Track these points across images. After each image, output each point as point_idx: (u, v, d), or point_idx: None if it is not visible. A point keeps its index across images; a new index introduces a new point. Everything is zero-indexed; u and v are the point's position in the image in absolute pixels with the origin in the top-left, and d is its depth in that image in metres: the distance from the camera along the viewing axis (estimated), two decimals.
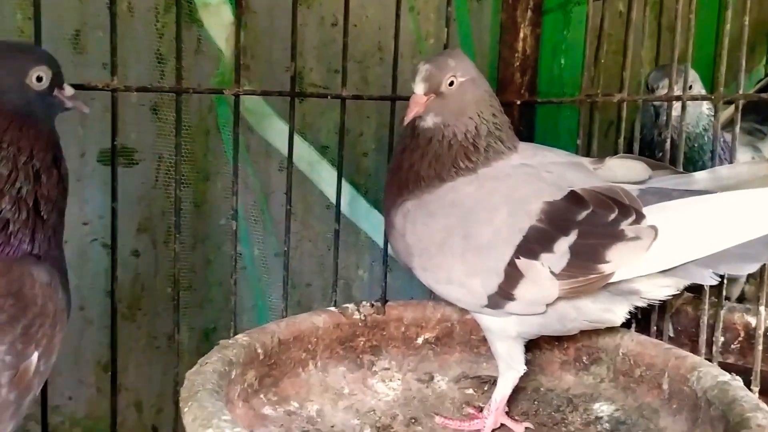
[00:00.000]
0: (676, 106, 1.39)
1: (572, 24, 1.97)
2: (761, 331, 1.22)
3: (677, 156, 1.35)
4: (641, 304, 1.12)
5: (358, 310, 1.31)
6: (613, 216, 1.04)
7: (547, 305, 1.09)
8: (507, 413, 1.21)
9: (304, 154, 1.69)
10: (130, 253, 1.56)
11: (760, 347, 1.24)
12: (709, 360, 1.22)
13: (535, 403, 1.26)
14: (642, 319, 1.34)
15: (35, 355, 0.83)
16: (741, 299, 1.65)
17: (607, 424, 1.18)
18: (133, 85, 1.19)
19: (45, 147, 0.88)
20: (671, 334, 1.41)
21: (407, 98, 1.15)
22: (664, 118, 1.44)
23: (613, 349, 1.23)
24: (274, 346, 1.16)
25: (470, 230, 1.10)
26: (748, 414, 0.93)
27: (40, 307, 0.84)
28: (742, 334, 1.39)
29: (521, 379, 1.19)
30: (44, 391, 1.14)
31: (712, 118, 1.52)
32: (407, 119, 1.14)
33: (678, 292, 1.11)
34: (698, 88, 1.53)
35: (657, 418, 1.13)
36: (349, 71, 1.32)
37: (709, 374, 1.06)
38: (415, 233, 1.15)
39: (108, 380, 1.25)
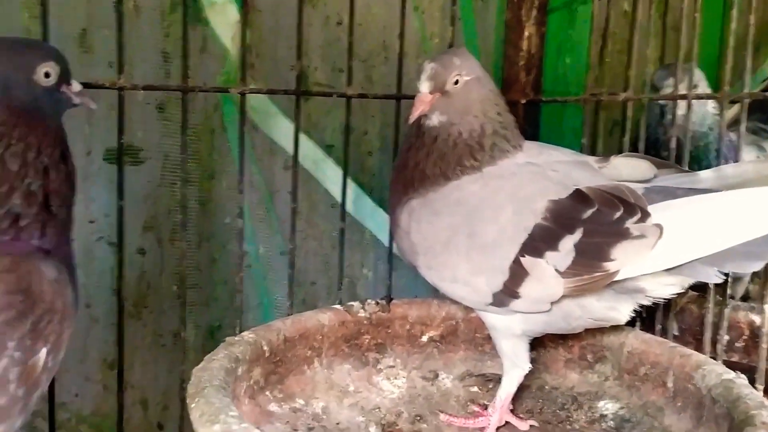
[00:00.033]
0: (682, 105, 1.39)
1: (577, 23, 1.97)
2: (765, 330, 1.22)
3: (682, 155, 1.35)
4: (646, 302, 1.12)
5: (363, 308, 1.31)
6: (618, 214, 1.04)
7: (552, 303, 1.09)
8: (512, 411, 1.22)
9: (309, 153, 1.70)
10: (136, 251, 1.57)
11: (765, 345, 1.24)
12: (714, 358, 1.22)
13: (540, 401, 1.26)
14: (647, 318, 1.34)
15: (44, 351, 0.83)
16: (746, 298, 1.65)
17: (611, 422, 1.18)
18: (139, 83, 1.20)
19: (53, 143, 0.89)
20: (676, 333, 1.41)
21: (412, 97, 1.16)
22: (670, 117, 1.44)
23: (617, 348, 1.23)
24: (279, 344, 1.17)
25: (475, 228, 1.10)
26: (752, 411, 0.93)
27: (49, 303, 0.84)
28: (747, 332, 1.39)
29: (526, 377, 1.19)
30: (51, 388, 1.14)
31: (718, 117, 1.52)
32: (412, 118, 1.14)
33: (683, 291, 1.11)
34: (703, 87, 1.53)
35: (661, 416, 1.14)
36: (354, 70, 1.32)
37: (714, 372, 1.06)
38: (420, 231, 1.15)
39: (114, 378, 1.25)
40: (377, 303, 1.33)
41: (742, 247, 1.00)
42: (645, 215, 1.04)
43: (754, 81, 1.84)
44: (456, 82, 1.13)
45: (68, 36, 1.40)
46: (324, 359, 1.24)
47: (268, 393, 1.14)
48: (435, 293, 1.31)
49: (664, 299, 1.12)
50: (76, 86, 0.94)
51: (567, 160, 1.18)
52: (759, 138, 1.69)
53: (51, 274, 0.86)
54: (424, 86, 1.13)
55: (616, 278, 1.05)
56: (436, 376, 1.32)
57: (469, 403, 1.27)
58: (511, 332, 1.15)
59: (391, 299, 1.34)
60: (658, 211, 1.04)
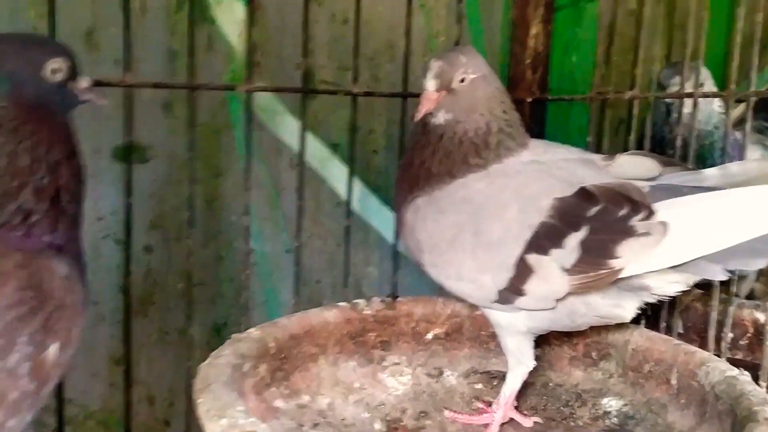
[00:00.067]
0: (688, 103, 1.39)
1: (584, 21, 1.97)
2: None
3: (688, 153, 1.35)
4: (651, 300, 1.12)
5: (369, 306, 1.31)
6: (623, 212, 1.04)
7: (557, 301, 1.09)
8: (516, 408, 1.22)
9: (315, 151, 1.70)
10: (143, 248, 1.57)
11: None
12: (718, 356, 1.22)
13: (544, 398, 1.27)
14: (651, 316, 1.35)
15: (54, 347, 0.84)
16: (750, 296, 1.65)
17: (615, 419, 1.19)
18: (146, 81, 1.20)
19: (62, 139, 0.89)
20: (680, 330, 1.41)
21: (418, 95, 1.16)
22: (676, 115, 1.44)
23: (622, 345, 1.23)
24: (285, 341, 1.17)
25: (481, 226, 1.10)
26: (755, 408, 0.93)
27: (60, 299, 0.85)
28: (751, 330, 1.39)
29: (530, 374, 1.19)
30: (59, 384, 1.15)
31: (724, 116, 1.52)
32: (418, 116, 1.15)
33: (687, 289, 1.11)
34: (710, 86, 1.53)
35: (665, 412, 1.14)
36: (360, 68, 1.33)
37: (717, 369, 1.06)
38: (426, 229, 1.15)
39: (120, 374, 1.26)
40: (382, 300, 1.33)
41: (747, 244, 1.00)
42: (650, 213, 1.04)
43: (760, 79, 1.84)
44: (462, 80, 1.14)
45: (75, 34, 1.41)
46: (329, 356, 1.25)
47: (274, 389, 1.15)
48: (440, 291, 1.31)
49: (669, 297, 1.12)
50: (84, 82, 0.94)
51: (572, 158, 1.18)
52: (764, 137, 1.69)
53: (62, 271, 0.87)
54: (430, 84, 1.13)
55: (621, 276, 1.05)
56: (441, 373, 1.32)
57: (473, 400, 1.27)
58: (515, 329, 1.16)
59: (397, 297, 1.34)
60: (664, 209, 1.04)
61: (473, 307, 1.28)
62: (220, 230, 1.66)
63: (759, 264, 1.04)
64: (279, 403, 1.14)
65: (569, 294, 1.08)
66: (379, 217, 1.82)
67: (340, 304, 1.30)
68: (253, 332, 1.14)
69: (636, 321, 1.21)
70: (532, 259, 1.07)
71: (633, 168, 1.16)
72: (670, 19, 1.67)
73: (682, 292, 1.11)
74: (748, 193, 1.02)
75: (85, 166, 0.94)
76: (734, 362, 1.14)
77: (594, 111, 1.49)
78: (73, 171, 0.90)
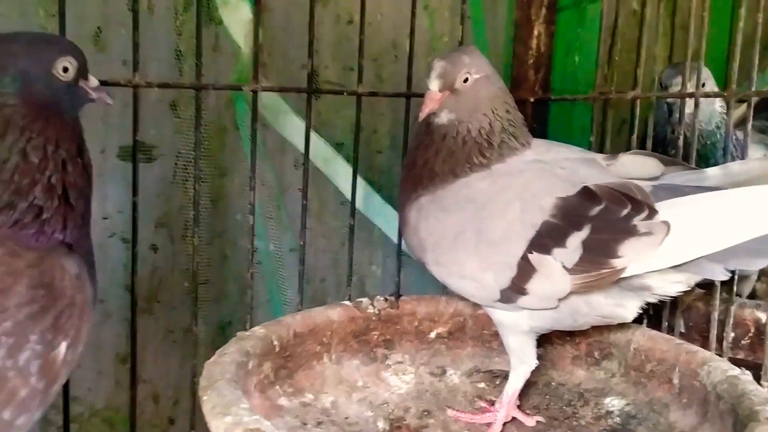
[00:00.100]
0: (689, 103, 1.40)
1: (586, 21, 1.97)
2: None
3: (690, 153, 1.36)
4: (653, 299, 1.13)
5: (372, 305, 1.32)
6: (625, 211, 1.05)
7: (559, 300, 1.10)
8: (518, 407, 1.23)
9: (320, 151, 1.71)
10: (148, 247, 1.58)
11: None
12: (720, 355, 1.23)
13: (547, 397, 1.27)
14: (653, 315, 1.35)
15: (63, 345, 0.85)
16: (752, 296, 1.66)
17: (617, 418, 1.19)
18: (153, 81, 1.21)
19: (70, 137, 0.90)
20: (682, 330, 1.42)
21: (422, 95, 1.17)
22: (677, 115, 1.44)
23: (624, 345, 1.24)
24: (289, 339, 1.18)
25: (483, 225, 1.11)
26: (757, 407, 0.94)
27: (70, 298, 0.86)
28: (753, 329, 1.39)
29: (533, 373, 1.20)
30: (65, 382, 1.16)
31: (725, 116, 1.52)
32: (422, 116, 1.16)
33: (689, 288, 1.12)
34: (711, 86, 1.53)
35: (667, 412, 1.14)
36: (365, 69, 1.33)
37: (719, 369, 1.07)
38: (429, 228, 1.16)
39: (126, 372, 1.27)
40: (386, 299, 1.34)
41: (748, 244, 1.01)
42: (652, 212, 1.04)
43: (761, 80, 1.85)
44: (465, 80, 1.14)
45: (83, 34, 1.41)
46: (333, 354, 1.26)
47: (278, 387, 1.15)
48: (443, 290, 1.32)
49: (671, 297, 1.13)
50: (93, 81, 0.95)
51: (575, 157, 1.19)
52: (766, 136, 1.69)
53: (73, 270, 0.87)
54: (434, 84, 1.14)
55: (623, 275, 1.06)
56: (444, 372, 1.33)
57: (476, 399, 1.28)
58: (518, 329, 1.16)
59: (400, 296, 1.35)
60: (666, 209, 1.05)
61: (476, 306, 1.29)
62: (225, 229, 1.67)
63: (760, 264, 1.05)
64: (283, 401, 1.15)
65: (571, 293, 1.08)
66: (383, 216, 1.82)
67: (344, 302, 1.31)
68: (258, 330, 1.15)
69: (638, 320, 1.21)
70: (535, 258, 1.08)
71: (635, 167, 1.16)
72: (672, 19, 1.67)
73: (684, 291, 1.12)
74: (749, 193, 1.02)
75: (91, 163, 0.95)
76: (736, 362, 1.15)
77: (596, 111, 1.49)
78: (80, 168, 0.91)
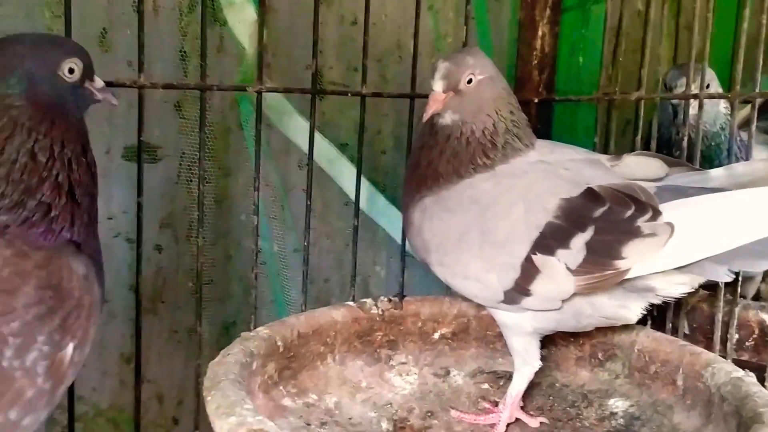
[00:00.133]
0: (694, 104, 1.40)
1: (591, 22, 1.97)
2: None
3: (694, 154, 1.36)
4: (656, 301, 1.12)
5: (376, 305, 1.32)
6: (629, 213, 1.05)
7: (563, 301, 1.10)
8: (522, 408, 1.23)
9: (324, 152, 1.71)
10: (153, 247, 1.59)
11: None
12: (724, 357, 1.23)
13: (550, 398, 1.27)
14: (657, 317, 1.35)
15: (71, 346, 0.85)
16: (756, 297, 1.65)
17: (621, 420, 1.19)
18: (158, 82, 1.22)
19: (75, 137, 0.91)
20: (686, 331, 1.41)
21: (426, 96, 1.17)
22: (682, 116, 1.44)
23: (628, 346, 1.24)
24: (293, 339, 1.18)
25: (487, 226, 1.11)
26: (761, 409, 0.94)
27: (77, 299, 0.86)
28: (757, 331, 1.39)
29: (536, 374, 1.20)
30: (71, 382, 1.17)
31: (729, 117, 1.52)
32: (426, 116, 1.16)
33: (693, 290, 1.11)
34: (715, 87, 1.53)
35: (671, 413, 1.14)
36: (369, 69, 1.34)
37: (723, 370, 1.07)
38: (433, 229, 1.16)
39: (130, 372, 1.27)
40: (390, 300, 1.34)
41: (752, 245, 1.01)
42: (656, 214, 1.04)
43: (765, 81, 1.84)
44: (469, 81, 1.15)
45: (88, 35, 1.42)
46: (337, 355, 1.26)
47: (281, 388, 1.16)
48: (447, 291, 1.32)
49: (675, 298, 1.13)
50: (98, 82, 0.96)
51: (579, 158, 1.18)
52: None
53: (80, 271, 0.88)
54: (438, 85, 1.14)
55: (627, 276, 1.05)
56: (448, 372, 1.33)
57: (480, 400, 1.28)
58: (522, 330, 1.16)
59: (404, 296, 1.35)
60: (670, 210, 1.05)
61: (480, 306, 1.29)
62: (230, 229, 1.68)
63: (764, 265, 1.05)
64: (287, 402, 1.15)
65: (575, 294, 1.08)
66: (387, 217, 1.82)
67: (348, 303, 1.31)
68: (262, 331, 1.15)
69: (642, 322, 1.21)
70: (539, 259, 1.08)
71: (639, 168, 1.16)
72: (676, 20, 1.67)
73: (688, 293, 1.12)
74: (753, 194, 1.02)
75: (95, 162, 0.95)
76: (740, 363, 1.15)
77: (600, 112, 1.50)
78: (85, 167, 0.92)
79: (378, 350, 1.30)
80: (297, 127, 1.67)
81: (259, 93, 1.26)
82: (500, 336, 1.25)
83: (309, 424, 1.13)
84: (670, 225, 1.03)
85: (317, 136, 1.36)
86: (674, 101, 1.51)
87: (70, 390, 1.18)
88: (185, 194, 1.60)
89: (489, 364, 1.34)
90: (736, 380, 1.03)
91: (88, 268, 0.90)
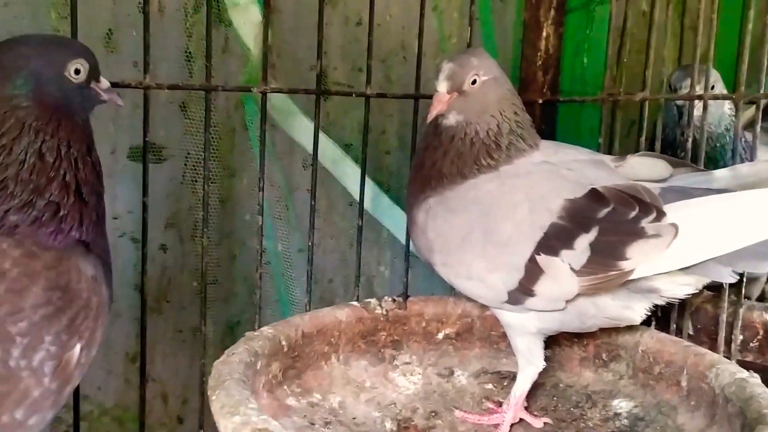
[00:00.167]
0: (698, 105, 1.40)
1: (595, 23, 1.97)
2: None
3: (699, 155, 1.36)
4: (660, 302, 1.12)
5: (380, 305, 1.32)
6: (633, 213, 1.05)
7: (567, 302, 1.10)
8: (526, 408, 1.22)
9: (328, 152, 1.71)
10: (158, 247, 1.59)
11: None
12: (728, 358, 1.23)
13: (554, 398, 1.27)
14: (662, 317, 1.35)
15: (78, 347, 0.86)
16: (761, 298, 1.65)
17: (625, 420, 1.19)
18: (163, 83, 1.22)
19: (81, 137, 0.91)
20: (691, 332, 1.41)
21: (430, 97, 1.17)
22: (687, 117, 1.44)
23: (632, 347, 1.24)
24: (297, 339, 1.18)
25: (491, 226, 1.11)
26: (765, 410, 0.93)
27: (85, 300, 0.87)
28: (761, 332, 1.39)
29: (540, 375, 1.20)
30: None
31: (734, 118, 1.52)
32: (430, 117, 1.16)
33: (697, 291, 1.11)
34: (720, 88, 1.53)
35: (675, 414, 1.14)
36: (373, 70, 1.34)
37: (727, 371, 1.07)
38: (437, 229, 1.16)
39: (135, 371, 1.28)
40: (394, 300, 1.34)
41: (756, 246, 1.01)
42: (660, 215, 1.04)
43: None
44: (473, 82, 1.15)
45: (95, 36, 1.43)
46: (341, 355, 1.26)
47: (285, 387, 1.16)
48: (451, 291, 1.32)
49: (679, 299, 1.13)
50: (104, 83, 0.96)
51: (583, 159, 1.18)
52: None
53: (89, 272, 0.88)
54: (442, 86, 1.14)
55: (631, 277, 1.05)
56: (452, 372, 1.33)
57: (483, 400, 1.28)
58: (526, 330, 1.16)
59: (408, 296, 1.35)
60: (674, 211, 1.05)
61: (484, 307, 1.29)
62: (234, 229, 1.68)
63: None
64: (291, 401, 1.15)
65: (579, 295, 1.08)
66: (391, 217, 1.82)
67: (352, 303, 1.32)
68: (266, 330, 1.15)
69: (646, 323, 1.21)
70: (542, 259, 1.08)
71: (644, 169, 1.16)
72: (681, 20, 1.67)
73: (692, 294, 1.11)
74: (758, 196, 1.02)
75: (100, 162, 0.96)
76: (745, 364, 1.14)
77: (605, 112, 1.49)
78: (91, 165, 0.92)
79: (382, 350, 1.31)
80: (301, 128, 1.67)
81: (264, 93, 1.26)
82: (504, 336, 1.25)
83: (313, 424, 1.13)
84: (675, 226, 1.03)
85: (322, 136, 1.36)
86: (679, 102, 1.51)
87: (76, 389, 1.18)
88: (190, 194, 1.60)
89: (493, 364, 1.34)
90: (740, 381, 1.03)
91: (97, 269, 0.90)
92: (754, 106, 1.38)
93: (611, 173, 1.15)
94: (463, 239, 1.13)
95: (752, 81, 1.32)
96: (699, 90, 1.37)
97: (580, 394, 1.27)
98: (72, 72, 0.91)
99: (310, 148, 1.37)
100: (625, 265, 1.05)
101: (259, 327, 1.19)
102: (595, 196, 1.08)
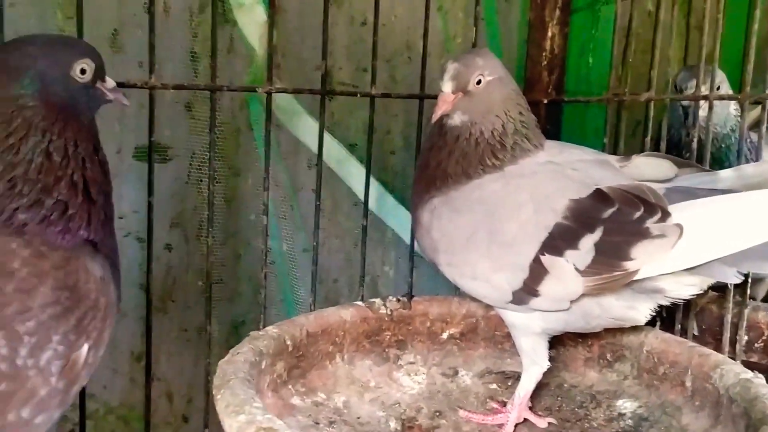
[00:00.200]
0: (704, 105, 1.39)
1: (600, 23, 1.97)
2: None
3: (704, 155, 1.36)
4: (665, 302, 1.12)
5: (385, 305, 1.32)
6: (638, 214, 1.05)
7: (571, 302, 1.10)
8: (530, 408, 1.23)
9: (333, 152, 1.71)
10: (163, 247, 1.60)
11: None
12: (733, 358, 1.22)
13: (559, 399, 1.27)
14: (666, 318, 1.35)
15: (85, 347, 0.86)
16: (766, 299, 1.65)
17: (630, 421, 1.19)
18: (168, 83, 1.22)
19: (87, 137, 0.92)
20: (695, 333, 1.41)
21: (435, 97, 1.17)
22: (692, 118, 1.44)
23: (637, 347, 1.24)
24: (302, 339, 1.19)
25: (496, 226, 1.11)
26: None
27: (93, 300, 0.87)
28: (766, 333, 1.39)
29: (545, 375, 1.20)
30: None
31: (739, 118, 1.52)
32: (435, 117, 1.16)
33: (702, 291, 1.11)
34: (725, 89, 1.53)
35: (680, 414, 1.14)
36: (378, 70, 1.34)
37: (732, 372, 1.07)
38: (441, 229, 1.16)
39: (141, 370, 1.28)
40: (398, 300, 1.34)
41: (762, 247, 1.01)
42: (665, 215, 1.04)
43: None
44: (478, 82, 1.15)
45: (100, 36, 1.43)
46: (345, 354, 1.26)
47: (290, 387, 1.16)
48: (456, 291, 1.32)
49: (684, 299, 1.13)
50: (110, 83, 0.97)
51: (588, 159, 1.18)
52: None
53: (97, 272, 0.89)
54: (447, 86, 1.14)
55: (635, 277, 1.06)
56: (456, 372, 1.33)
57: (488, 400, 1.28)
58: (530, 330, 1.16)
59: (412, 296, 1.35)
60: (679, 211, 1.05)
61: (488, 307, 1.29)
62: (239, 229, 1.68)
63: None
64: (295, 401, 1.15)
65: (583, 295, 1.08)
66: (396, 217, 1.83)
67: (357, 303, 1.32)
68: (271, 330, 1.15)
69: (651, 323, 1.21)
70: (547, 259, 1.08)
71: (649, 169, 1.16)
72: (687, 20, 1.67)
73: (697, 294, 1.11)
74: (763, 196, 1.02)
75: (107, 161, 0.96)
76: (750, 365, 1.14)
77: (610, 113, 1.49)
78: (98, 164, 0.93)
79: (386, 350, 1.31)
80: (306, 128, 1.67)
81: (269, 94, 1.26)
82: (509, 336, 1.25)
83: (318, 423, 1.13)
84: (679, 226, 1.03)
85: (326, 136, 1.36)
86: (684, 102, 1.50)
87: (82, 388, 1.19)
88: (195, 194, 1.60)
89: (497, 364, 1.34)
90: (745, 382, 1.03)
91: (105, 270, 0.90)
92: (759, 107, 1.37)
93: (616, 173, 1.15)
94: (468, 239, 1.13)
95: (758, 81, 1.32)
96: (704, 90, 1.37)
97: (585, 394, 1.27)
98: (78, 72, 0.92)
99: (314, 148, 1.37)
100: (629, 265, 1.05)
101: (264, 326, 1.19)
102: (599, 196, 1.08)
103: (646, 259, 1.04)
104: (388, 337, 1.31)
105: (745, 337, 1.33)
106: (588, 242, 1.06)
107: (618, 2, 1.50)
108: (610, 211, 1.06)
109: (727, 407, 1.04)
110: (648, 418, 1.18)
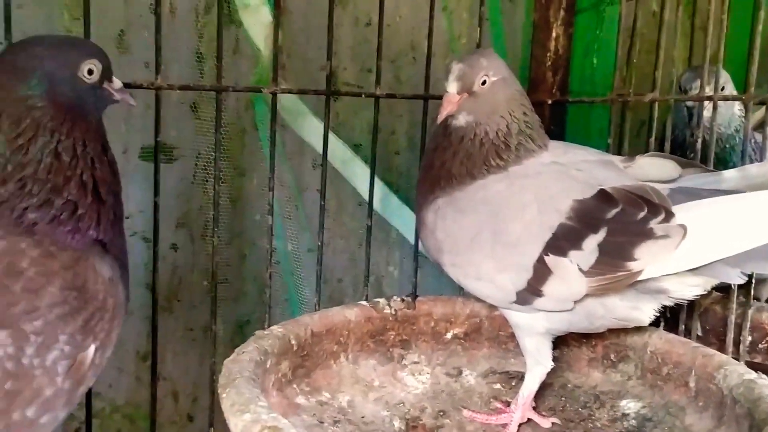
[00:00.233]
0: (708, 106, 1.39)
1: (605, 23, 1.97)
2: None
3: (708, 156, 1.35)
4: (669, 303, 1.12)
5: (389, 305, 1.33)
6: (642, 214, 1.05)
7: (576, 302, 1.10)
8: (534, 408, 1.23)
9: (338, 152, 1.71)
10: (169, 246, 1.60)
11: None
12: (737, 359, 1.22)
13: (562, 399, 1.27)
14: (670, 318, 1.35)
15: (92, 348, 0.86)
16: None
17: (633, 421, 1.19)
18: (174, 83, 1.23)
19: (95, 137, 0.92)
20: (699, 333, 1.41)
21: (440, 97, 1.17)
22: (696, 118, 1.44)
23: (641, 347, 1.24)
24: (307, 338, 1.19)
25: (500, 227, 1.12)
26: None
27: (101, 301, 0.87)
28: None
29: (548, 375, 1.20)
30: None
31: (744, 119, 1.52)
32: (440, 118, 1.16)
33: (706, 292, 1.11)
34: (730, 89, 1.53)
35: (683, 415, 1.14)
36: (383, 70, 1.34)
37: (735, 372, 1.07)
38: (446, 229, 1.17)
39: (146, 369, 1.29)
40: (403, 300, 1.34)
41: (765, 247, 1.00)
42: (669, 215, 1.04)
43: None
44: (483, 83, 1.15)
45: (107, 37, 1.44)
46: (350, 354, 1.26)
47: (295, 386, 1.16)
48: (460, 291, 1.33)
49: (688, 300, 1.13)
50: (117, 83, 0.97)
51: (592, 159, 1.18)
52: None
53: (106, 273, 0.89)
54: (452, 87, 1.15)
55: (639, 278, 1.05)
56: (460, 372, 1.33)
57: (492, 400, 1.28)
58: (534, 330, 1.16)
59: (417, 296, 1.35)
60: (683, 212, 1.05)
61: (492, 307, 1.29)
62: (244, 229, 1.69)
63: None
64: (300, 400, 1.16)
65: (587, 296, 1.08)
66: (400, 218, 1.83)
67: (361, 302, 1.32)
68: (276, 329, 1.16)
69: (655, 324, 1.21)
70: (551, 260, 1.08)
71: (653, 170, 1.16)
72: (691, 21, 1.67)
73: (701, 295, 1.11)
74: (767, 196, 1.02)
75: (116, 161, 0.96)
76: (753, 366, 1.14)
77: (614, 113, 1.49)
78: (107, 164, 0.93)
79: (391, 350, 1.31)
80: (311, 128, 1.67)
81: (274, 94, 1.27)
82: (512, 336, 1.25)
83: (322, 422, 1.13)
84: (683, 227, 1.03)
85: (331, 136, 1.37)
86: (689, 103, 1.50)
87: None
88: (201, 194, 1.61)
89: (501, 364, 1.35)
90: (748, 382, 1.03)
91: (114, 270, 0.91)
92: (764, 107, 1.38)
93: (620, 174, 1.15)
94: (472, 240, 1.13)
95: (762, 82, 1.32)
96: (709, 91, 1.37)
97: (589, 394, 1.27)
98: (85, 72, 0.92)
99: (319, 149, 1.38)
100: (633, 265, 1.05)
101: (269, 326, 1.19)
102: (603, 196, 1.08)
103: (650, 260, 1.04)
104: (393, 336, 1.32)
105: (749, 338, 1.33)
106: (592, 243, 1.06)
107: (622, 3, 1.50)
108: (614, 211, 1.06)
109: (731, 408, 1.04)
110: (652, 419, 1.18)
